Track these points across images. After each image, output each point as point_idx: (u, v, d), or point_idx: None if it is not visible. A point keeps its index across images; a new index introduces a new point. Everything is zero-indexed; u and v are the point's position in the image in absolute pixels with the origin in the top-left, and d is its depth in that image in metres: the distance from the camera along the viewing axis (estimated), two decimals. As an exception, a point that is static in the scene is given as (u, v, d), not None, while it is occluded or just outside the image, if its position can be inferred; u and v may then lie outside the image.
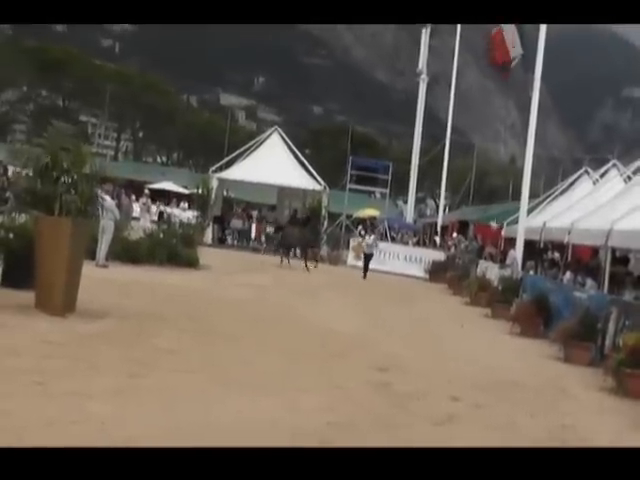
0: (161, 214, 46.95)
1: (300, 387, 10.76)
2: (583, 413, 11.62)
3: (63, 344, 11.39)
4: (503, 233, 36.15)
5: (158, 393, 9.34)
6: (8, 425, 7.24)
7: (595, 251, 27.35)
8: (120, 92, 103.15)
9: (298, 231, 35.54)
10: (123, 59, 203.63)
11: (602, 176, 32.31)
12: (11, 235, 15.62)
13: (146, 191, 52.78)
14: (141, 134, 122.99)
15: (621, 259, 25.30)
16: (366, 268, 34.96)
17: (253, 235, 43.92)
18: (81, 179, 14.76)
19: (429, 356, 15.04)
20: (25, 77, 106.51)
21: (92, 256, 21.77)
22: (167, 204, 56.84)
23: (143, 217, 43.49)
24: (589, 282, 22.54)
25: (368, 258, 35.76)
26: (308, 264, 33.47)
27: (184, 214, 46.34)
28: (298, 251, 41.48)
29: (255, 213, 49.60)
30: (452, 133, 54.76)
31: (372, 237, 37.89)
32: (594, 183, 33.06)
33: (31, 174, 15.01)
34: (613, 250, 22.27)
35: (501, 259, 32.59)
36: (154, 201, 52.35)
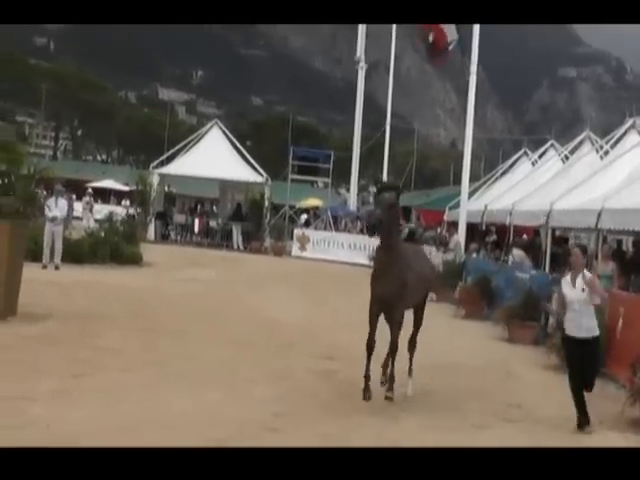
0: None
1: (247, 379, 10.78)
2: (528, 391, 11.81)
3: (5, 347, 11.29)
4: (445, 217, 36.31)
5: (103, 393, 9.30)
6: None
7: (536, 231, 27.66)
8: (56, 90, 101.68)
9: None
10: (58, 57, 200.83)
11: (541, 157, 32.62)
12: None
13: (89, 190, 52.12)
14: (79, 132, 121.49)
15: (561, 238, 25.65)
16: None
17: (196, 229, 43.56)
18: (19, 180, 14.60)
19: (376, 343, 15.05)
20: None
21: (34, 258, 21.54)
22: (108, 202, 56.30)
23: (86, 216, 43.04)
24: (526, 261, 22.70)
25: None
26: None
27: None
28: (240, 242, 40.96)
29: (199, 207, 49.18)
30: (392, 119, 54.70)
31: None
32: (533, 164, 33.38)
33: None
34: (553, 230, 22.55)
35: (444, 243, 32.72)
36: (96, 200, 51.77)
